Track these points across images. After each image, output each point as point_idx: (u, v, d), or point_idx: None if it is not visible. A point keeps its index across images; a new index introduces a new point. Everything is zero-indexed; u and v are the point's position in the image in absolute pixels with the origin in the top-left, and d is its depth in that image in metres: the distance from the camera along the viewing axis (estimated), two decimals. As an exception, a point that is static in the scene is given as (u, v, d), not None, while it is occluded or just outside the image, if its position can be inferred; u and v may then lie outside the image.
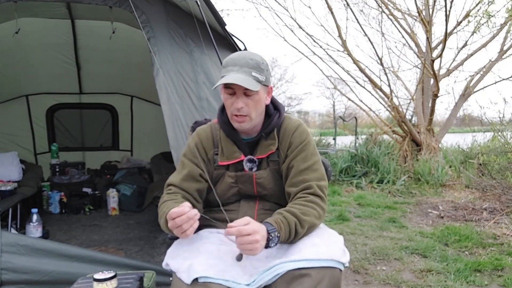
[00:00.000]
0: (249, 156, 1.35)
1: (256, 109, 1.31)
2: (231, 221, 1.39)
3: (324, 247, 1.12)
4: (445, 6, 4.98)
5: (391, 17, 6.39)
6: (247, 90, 1.27)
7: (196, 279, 1.06)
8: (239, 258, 1.16)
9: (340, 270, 1.12)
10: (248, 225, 1.09)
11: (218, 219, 1.40)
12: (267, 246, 1.12)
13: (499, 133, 4.98)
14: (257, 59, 1.30)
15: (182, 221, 1.11)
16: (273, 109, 1.41)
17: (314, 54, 7.38)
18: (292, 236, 1.18)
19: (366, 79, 6.86)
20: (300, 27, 7.16)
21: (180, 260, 1.17)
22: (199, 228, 1.44)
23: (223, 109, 1.41)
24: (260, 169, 1.37)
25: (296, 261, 1.08)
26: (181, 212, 1.11)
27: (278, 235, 1.14)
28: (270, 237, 1.12)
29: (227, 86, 1.29)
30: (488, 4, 5.16)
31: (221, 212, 1.40)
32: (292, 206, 1.24)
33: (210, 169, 1.39)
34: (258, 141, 1.37)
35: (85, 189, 4.35)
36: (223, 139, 1.39)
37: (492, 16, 5.21)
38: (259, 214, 1.36)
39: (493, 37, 6.13)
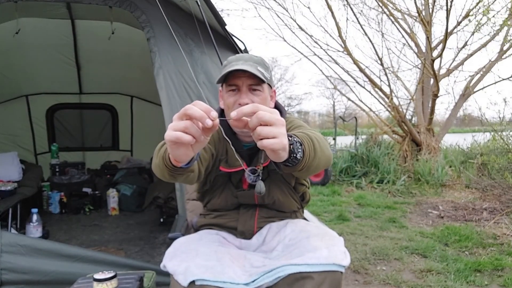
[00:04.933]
0: (251, 168, 1.25)
1: None
2: (230, 227, 1.38)
3: (325, 250, 1.10)
4: (446, 5, 4.99)
5: (391, 17, 6.39)
6: (253, 85, 1.20)
7: (193, 282, 1.05)
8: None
9: (341, 273, 1.12)
10: None
11: (217, 225, 1.39)
12: (291, 153, 0.90)
13: (499, 133, 4.97)
14: (261, 57, 1.26)
15: (201, 112, 0.78)
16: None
17: (314, 54, 7.39)
18: (312, 150, 0.97)
19: (366, 79, 6.86)
20: (300, 27, 7.17)
21: (177, 262, 1.15)
22: (198, 229, 1.44)
23: (221, 113, 1.32)
24: (261, 180, 1.27)
25: (298, 265, 1.07)
26: (207, 106, 0.81)
27: (299, 140, 0.95)
28: (291, 140, 0.91)
29: (230, 83, 1.22)
30: (488, 4, 5.16)
31: (219, 217, 1.39)
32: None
33: (213, 169, 1.32)
34: (258, 148, 1.31)
35: (85, 189, 4.35)
36: (228, 146, 1.32)
37: (492, 16, 5.21)
38: (260, 222, 1.35)
39: (493, 37, 6.13)
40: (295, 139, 0.93)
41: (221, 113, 1.33)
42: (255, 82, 1.21)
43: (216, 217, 1.40)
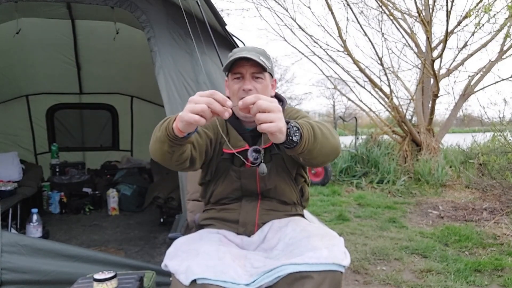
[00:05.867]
0: (254, 146, 1.33)
1: (264, 95, 1.30)
2: (232, 221, 1.39)
3: (326, 250, 1.10)
4: (446, 5, 4.99)
5: (391, 17, 6.39)
6: (255, 73, 1.31)
7: (194, 281, 1.06)
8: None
9: (341, 273, 1.12)
10: None
11: (218, 218, 1.40)
12: (288, 136, 1.03)
13: (499, 133, 4.98)
14: (263, 49, 1.37)
15: (221, 108, 0.98)
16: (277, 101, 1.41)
17: (314, 54, 7.40)
18: (311, 135, 1.08)
19: (366, 79, 6.86)
20: (300, 27, 7.17)
21: (178, 261, 1.16)
22: (200, 224, 1.45)
23: None
24: (264, 162, 1.33)
25: (297, 265, 1.07)
26: (224, 97, 1.00)
27: (298, 126, 1.06)
28: (289, 126, 1.03)
29: (234, 71, 1.32)
30: (488, 4, 5.15)
31: (222, 211, 1.41)
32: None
33: (214, 156, 1.37)
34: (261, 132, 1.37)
35: (85, 189, 4.35)
36: (229, 128, 1.40)
37: (492, 17, 5.21)
38: (261, 215, 1.36)
39: (493, 37, 6.13)
40: (292, 124, 1.05)
41: None
42: (258, 70, 1.32)
43: (219, 211, 1.41)
